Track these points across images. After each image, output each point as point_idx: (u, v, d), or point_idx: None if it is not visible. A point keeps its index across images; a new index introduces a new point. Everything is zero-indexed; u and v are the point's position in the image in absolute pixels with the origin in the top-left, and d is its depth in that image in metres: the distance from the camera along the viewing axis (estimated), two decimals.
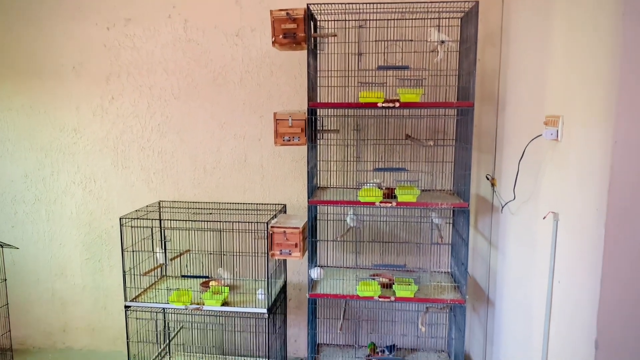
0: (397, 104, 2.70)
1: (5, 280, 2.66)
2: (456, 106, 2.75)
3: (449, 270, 3.34)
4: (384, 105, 2.71)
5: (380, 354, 3.28)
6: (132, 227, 3.14)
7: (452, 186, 3.23)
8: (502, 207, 2.71)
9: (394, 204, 2.80)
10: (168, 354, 3.59)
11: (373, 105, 2.73)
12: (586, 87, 1.81)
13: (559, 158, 2.02)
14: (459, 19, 2.98)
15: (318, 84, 3.13)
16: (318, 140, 3.21)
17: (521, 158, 2.35)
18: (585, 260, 1.78)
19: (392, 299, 2.86)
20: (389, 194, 2.89)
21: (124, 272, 3.08)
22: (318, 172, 3.31)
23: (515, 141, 2.55)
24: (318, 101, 3.15)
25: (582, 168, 1.83)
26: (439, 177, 3.23)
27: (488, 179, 2.98)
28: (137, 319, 3.25)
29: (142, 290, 3.25)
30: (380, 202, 2.81)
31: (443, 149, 3.23)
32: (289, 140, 2.95)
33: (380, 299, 2.87)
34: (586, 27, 1.83)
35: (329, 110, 3.28)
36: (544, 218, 2.10)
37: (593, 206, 1.73)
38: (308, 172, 2.89)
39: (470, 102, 2.67)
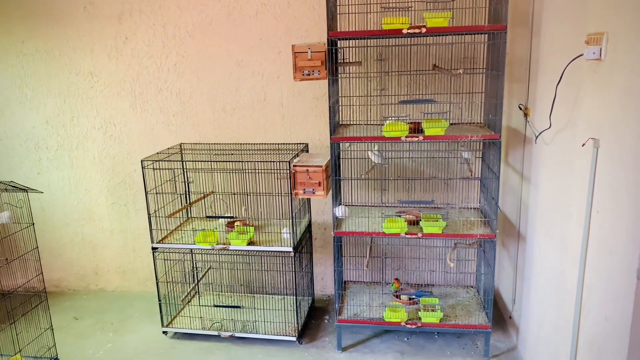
0: (424, 30, 2.54)
1: (33, 224, 2.70)
2: (487, 30, 2.57)
3: (478, 205, 3.27)
4: (409, 31, 2.56)
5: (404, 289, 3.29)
6: (154, 169, 3.13)
7: (482, 118, 3.10)
8: (536, 138, 2.58)
9: (421, 138, 2.70)
10: (197, 293, 3.68)
11: (397, 33, 2.58)
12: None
13: (602, 79, 1.87)
14: None
15: (338, 12, 2.96)
16: (339, 74, 3.08)
17: (559, 82, 2.20)
18: (628, 189, 1.68)
19: (420, 235, 2.82)
20: (415, 128, 2.78)
21: (149, 214, 3.10)
22: (340, 109, 3.21)
23: (552, 65, 2.38)
24: (338, 31, 3.00)
25: (627, 89, 1.68)
26: (469, 108, 3.10)
27: (521, 108, 2.83)
28: (165, 260, 3.31)
29: (169, 232, 3.28)
30: (406, 137, 2.71)
31: (473, 78, 3.07)
32: (309, 75, 2.84)
33: (407, 236, 2.83)
34: None
35: (350, 41, 3.13)
36: (582, 145, 1.98)
37: (637, 130, 1.60)
38: (330, 107, 2.79)
39: (502, 24, 2.49)
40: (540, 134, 2.51)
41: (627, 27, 1.69)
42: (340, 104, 3.18)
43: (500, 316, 3.34)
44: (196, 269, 3.64)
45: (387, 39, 3.08)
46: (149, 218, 3.10)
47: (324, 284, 3.77)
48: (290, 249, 2.97)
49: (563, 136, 2.26)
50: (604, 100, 1.86)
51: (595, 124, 1.93)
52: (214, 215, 3.56)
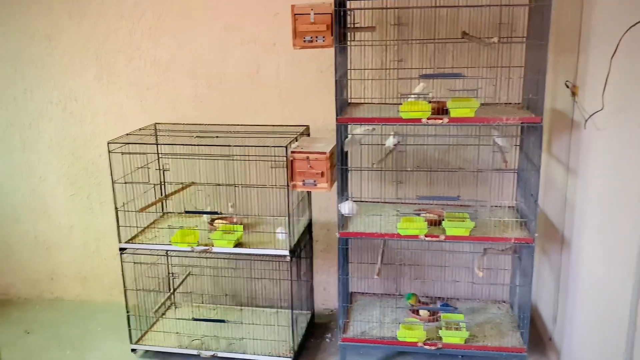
0: None
1: None
2: None
3: (514, 203, 3.26)
4: None
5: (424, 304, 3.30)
6: (123, 153, 3.13)
7: (521, 98, 3.09)
8: (586, 121, 2.57)
9: (446, 120, 2.70)
10: (174, 304, 3.70)
11: None
12: None
13: None
14: None
15: None
16: (348, 42, 3.07)
17: (614, 54, 2.19)
18: None
19: (442, 238, 2.82)
20: (440, 109, 2.78)
21: (116, 208, 3.11)
22: (349, 84, 3.20)
23: (607, 33, 2.37)
24: None
25: None
26: (504, 86, 3.08)
27: (568, 86, 2.82)
28: (135, 263, 3.31)
29: (140, 230, 3.29)
30: (428, 119, 2.71)
31: (510, 48, 3.06)
32: (312, 41, 2.84)
33: (427, 239, 2.83)
34: None
35: (362, 1, 3.11)
36: None
37: None
38: (336, 82, 2.79)
39: None
40: (590, 116, 2.50)
41: None
42: (349, 77, 3.17)
43: (538, 337, 3.34)
44: (172, 275, 3.65)
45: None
46: (116, 213, 3.10)
47: (327, 295, 3.78)
48: (286, 252, 2.97)
49: (618, 120, 2.25)
50: None
51: None
52: (194, 210, 3.56)
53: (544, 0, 2.56)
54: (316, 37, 2.83)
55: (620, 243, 2.22)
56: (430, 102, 2.80)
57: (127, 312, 3.24)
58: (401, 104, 2.79)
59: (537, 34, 2.72)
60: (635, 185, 2.08)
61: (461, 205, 3.25)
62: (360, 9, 3.14)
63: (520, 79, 3.07)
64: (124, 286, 3.21)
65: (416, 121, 2.73)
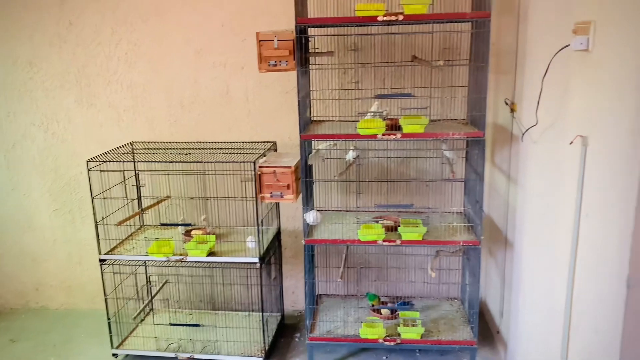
0: (401, 17, 2.56)
1: None
2: (470, 18, 2.61)
3: (462, 209, 3.30)
4: (385, 19, 2.57)
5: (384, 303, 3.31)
6: (101, 171, 3.07)
7: (466, 114, 3.14)
8: (523, 135, 2.62)
9: (399, 135, 2.72)
10: (152, 310, 3.63)
11: (372, 20, 2.60)
12: None
13: (589, 72, 1.91)
14: None
15: None
16: (310, 65, 3.08)
17: (545, 74, 2.24)
18: (618, 189, 1.72)
19: (398, 242, 2.84)
20: (393, 125, 2.80)
21: (95, 222, 3.05)
22: (312, 103, 3.21)
23: (539, 56, 2.43)
24: (308, 17, 3.00)
25: (616, 82, 1.72)
26: (451, 104, 3.13)
27: (507, 103, 2.88)
28: (114, 273, 3.25)
29: (119, 242, 3.23)
30: (383, 134, 2.73)
31: (455, 70, 3.11)
32: (276, 65, 2.84)
33: (384, 243, 2.84)
34: None
35: (322, 29, 3.13)
36: (570, 143, 2.02)
37: (628, 127, 1.64)
38: (299, 102, 2.79)
39: (486, 12, 2.53)
40: (526, 131, 2.55)
41: (615, 15, 1.73)
42: (312, 98, 3.18)
43: (487, 331, 3.38)
44: (150, 284, 3.59)
45: (361, 27, 3.09)
46: (96, 226, 3.04)
47: (295, 298, 3.76)
48: (256, 260, 2.95)
49: (550, 133, 2.30)
50: (592, 95, 1.90)
51: (583, 120, 1.97)
52: (169, 222, 3.51)
53: (483, 27, 2.61)
54: (280, 61, 2.84)
55: (555, 242, 2.27)
56: (385, 119, 2.82)
57: (108, 319, 3.16)
58: (359, 121, 2.81)
59: (479, 57, 2.77)
60: (564, 191, 2.13)
61: (415, 212, 3.27)
62: (320, 35, 3.16)
63: (465, 98, 3.12)
64: (105, 294, 3.14)
65: (372, 137, 2.75)
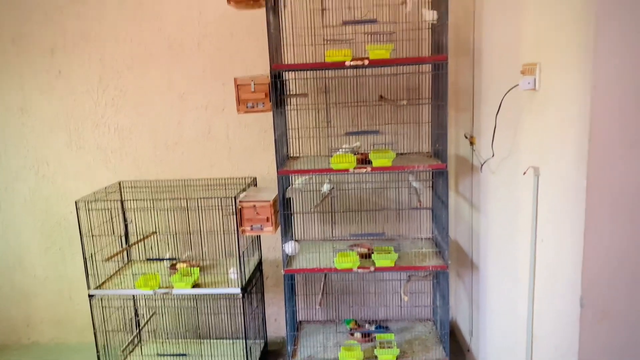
0: (366, 62, 2.61)
1: None
2: (429, 61, 2.67)
3: (431, 235, 3.32)
4: (352, 64, 2.62)
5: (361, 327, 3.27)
6: (89, 210, 3.03)
7: (430, 147, 3.18)
8: (482, 166, 2.67)
9: (369, 169, 2.74)
10: (140, 342, 3.54)
11: (340, 65, 2.64)
12: (562, 31, 1.75)
13: (537, 109, 1.97)
14: None
15: (282, 44, 3.02)
16: (286, 106, 3.11)
17: (498, 111, 2.30)
18: (568, 216, 1.75)
19: (372, 269, 2.83)
20: (364, 159, 2.83)
21: (84, 259, 2.98)
22: (288, 141, 3.23)
23: (492, 95, 2.49)
24: (283, 63, 3.04)
25: (561, 117, 1.77)
26: (416, 138, 3.18)
27: (466, 137, 2.93)
28: (103, 307, 3.17)
29: (107, 277, 3.17)
30: (355, 168, 2.75)
31: (419, 108, 3.16)
32: (253, 107, 2.86)
33: (359, 270, 2.83)
34: None
35: (295, 72, 3.18)
36: (524, 174, 2.06)
37: (573, 158, 1.68)
38: (275, 140, 2.80)
39: (443, 55, 2.60)
40: (485, 162, 2.60)
41: (558, 57, 1.79)
42: (288, 136, 3.20)
43: (458, 349, 3.36)
44: (138, 316, 3.50)
45: (331, 71, 3.14)
46: (85, 263, 2.98)
47: (278, 325, 3.71)
48: (238, 291, 2.91)
49: (506, 165, 2.34)
50: (540, 130, 1.95)
51: (534, 152, 2.02)
52: (155, 257, 3.46)
53: (441, 69, 2.67)
54: (257, 103, 2.86)
55: (515, 265, 2.28)
56: (356, 154, 2.84)
57: (97, 352, 3.07)
58: (332, 156, 2.83)
59: (439, 96, 2.83)
60: (521, 217, 2.16)
61: (387, 239, 3.28)
62: (294, 79, 3.20)
63: (429, 133, 3.17)
64: (94, 329, 3.05)
65: (345, 171, 2.76)
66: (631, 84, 1.56)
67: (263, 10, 2.98)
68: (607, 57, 1.55)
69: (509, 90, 2.16)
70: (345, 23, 2.76)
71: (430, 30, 2.97)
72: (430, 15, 2.67)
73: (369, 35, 3.00)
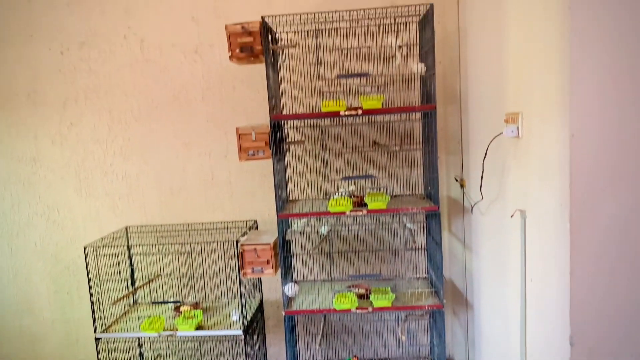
0: (360, 112, 2.67)
1: None
2: (418, 110, 2.73)
3: (426, 275, 3.31)
4: (346, 113, 2.68)
5: None
6: (97, 255, 3.03)
7: (423, 190, 3.21)
8: (472, 208, 2.69)
9: (365, 212, 2.76)
10: None
11: (335, 114, 2.70)
12: (541, 82, 1.81)
13: (521, 155, 2.01)
14: (417, 23, 2.98)
15: (281, 96, 3.09)
16: (285, 152, 3.16)
17: (484, 157, 2.34)
18: (554, 257, 1.76)
19: (370, 309, 2.81)
20: (359, 202, 2.86)
21: (92, 303, 2.97)
22: (287, 185, 3.26)
23: (479, 141, 2.54)
24: (281, 113, 3.11)
25: (543, 164, 1.81)
26: (409, 181, 3.21)
27: (457, 180, 2.97)
28: (110, 350, 3.13)
29: (114, 320, 3.14)
30: (351, 211, 2.77)
31: (411, 153, 3.21)
32: (254, 155, 2.90)
33: (358, 311, 2.81)
34: (538, 24, 1.82)
35: (293, 121, 3.24)
36: (511, 216, 2.08)
37: (557, 201, 1.71)
38: (275, 186, 2.83)
39: (432, 104, 2.66)
40: (475, 204, 2.62)
41: (538, 107, 1.85)
42: (287, 180, 3.23)
43: None
44: (142, 358, 3.45)
45: (327, 120, 3.21)
46: (92, 307, 2.96)
47: None
48: (240, 332, 2.88)
49: (495, 207, 2.37)
50: (525, 175, 1.99)
51: (520, 196, 2.05)
52: (160, 300, 3.44)
53: (430, 117, 2.74)
54: (257, 151, 2.91)
55: (507, 304, 2.28)
56: (352, 197, 2.87)
57: None
58: (329, 199, 2.85)
59: (429, 142, 2.88)
60: (510, 257, 2.17)
61: (384, 279, 3.27)
62: (293, 127, 3.26)
63: (421, 176, 3.21)
64: None
65: (341, 213, 2.78)
66: (609, 132, 1.60)
67: (263, 65, 3.09)
68: (584, 107, 1.60)
69: (494, 138, 2.21)
70: (339, 77, 2.84)
71: (419, 80, 3.05)
72: (418, 68, 2.75)
73: (362, 87, 3.08)
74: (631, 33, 1.56)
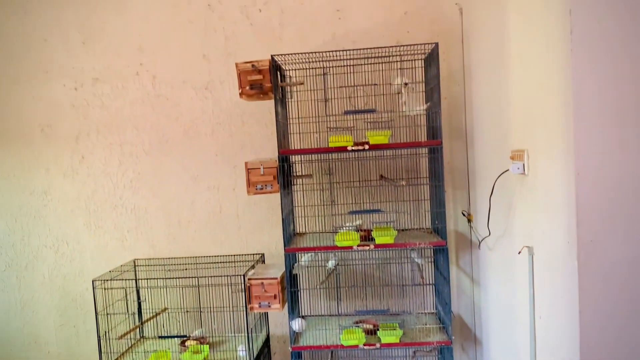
0: (367, 147, 2.71)
1: None
2: (425, 145, 2.77)
3: (434, 310, 3.28)
4: (353, 148, 2.72)
5: None
6: (104, 289, 3.04)
7: (430, 224, 3.22)
8: (480, 243, 2.69)
9: (372, 246, 2.77)
10: None
11: (343, 149, 2.74)
12: (545, 120, 1.84)
13: (528, 192, 2.02)
14: (422, 60, 3.05)
15: (289, 131, 3.15)
16: (292, 186, 3.19)
17: (491, 193, 2.36)
18: (563, 294, 1.76)
19: (378, 345, 2.78)
20: (367, 237, 2.86)
21: (98, 337, 2.96)
22: (295, 219, 3.28)
23: (486, 176, 2.56)
24: (289, 148, 3.16)
25: (550, 201, 1.83)
26: (417, 215, 3.22)
27: (464, 215, 2.97)
28: None
29: (120, 354, 3.12)
30: (358, 246, 2.77)
31: (418, 187, 3.23)
32: (262, 189, 2.93)
33: (365, 347, 2.79)
34: (540, 63, 1.87)
35: (301, 156, 3.28)
36: (519, 253, 2.09)
37: (564, 239, 1.72)
38: (283, 220, 2.85)
39: (438, 140, 2.70)
40: (482, 239, 2.62)
41: (542, 145, 1.87)
42: (295, 214, 3.25)
43: None
44: None
45: (334, 154, 3.25)
46: (99, 341, 2.95)
47: None
48: None
49: (502, 243, 2.37)
50: (532, 211, 2.00)
51: (527, 232, 2.05)
52: (166, 334, 3.42)
53: (436, 153, 2.77)
54: (265, 185, 2.94)
55: (516, 341, 2.25)
56: (359, 230, 2.88)
57: None
58: (337, 232, 2.86)
59: (436, 176, 2.91)
60: (519, 294, 2.16)
61: (391, 315, 3.24)
62: (300, 161, 3.30)
63: (429, 210, 3.22)
64: None
65: (348, 248, 2.79)
66: (614, 170, 1.62)
67: (272, 101, 3.16)
68: (588, 146, 1.62)
69: (500, 175, 2.23)
70: (346, 113, 2.90)
71: (425, 116, 3.10)
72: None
73: (369, 123, 3.13)
74: (630, 76, 1.60)
